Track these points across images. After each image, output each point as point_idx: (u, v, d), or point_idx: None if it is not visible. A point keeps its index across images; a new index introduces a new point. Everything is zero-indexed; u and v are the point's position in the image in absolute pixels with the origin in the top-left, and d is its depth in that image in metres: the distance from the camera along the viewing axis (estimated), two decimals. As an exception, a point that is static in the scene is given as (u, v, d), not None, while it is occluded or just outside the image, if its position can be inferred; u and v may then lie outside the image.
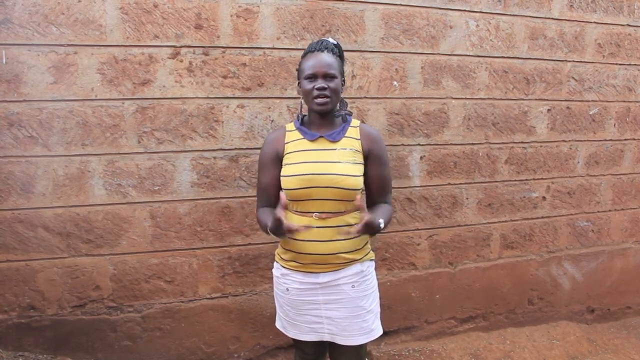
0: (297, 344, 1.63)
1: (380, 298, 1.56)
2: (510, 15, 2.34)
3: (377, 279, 1.55)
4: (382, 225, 1.32)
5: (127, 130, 1.93)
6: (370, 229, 1.28)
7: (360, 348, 1.50)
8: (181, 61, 1.95)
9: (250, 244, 2.13)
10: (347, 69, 2.13)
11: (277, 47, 2.04)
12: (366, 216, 1.25)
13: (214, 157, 2.04)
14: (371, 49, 2.16)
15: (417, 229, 2.36)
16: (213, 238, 2.09)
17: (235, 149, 2.05)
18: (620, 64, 2.61)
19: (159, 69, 1.93)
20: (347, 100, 2.13)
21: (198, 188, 2.04)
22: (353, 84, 2.16)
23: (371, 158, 1.45)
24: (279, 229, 1.23)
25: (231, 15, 1.97)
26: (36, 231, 1.91)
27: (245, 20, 1.99)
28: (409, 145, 2.28)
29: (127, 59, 1.89)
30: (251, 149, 2.06)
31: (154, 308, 2.06)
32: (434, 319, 2.48)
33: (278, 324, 1.61)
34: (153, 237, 2.02)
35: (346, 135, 1.45)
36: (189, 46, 1.95)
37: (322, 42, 1.44)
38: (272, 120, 2.08)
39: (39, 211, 1.90)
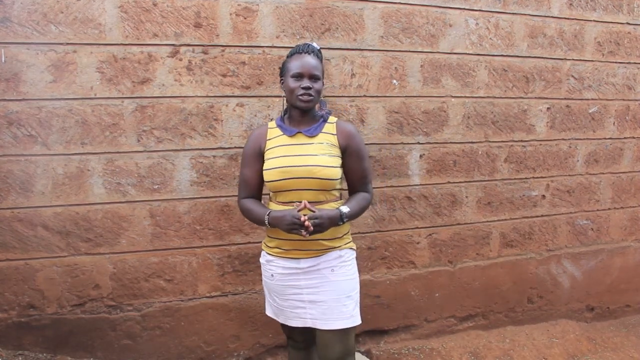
0: (287, 334, 1.71)
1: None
2: (510, 13, 2.34)
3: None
4: (345, 211, 1.45)
5: (127, 129, 1.93)
6: (328, 223, 1.40)
7: (345, 338, 1.52)
8: (180, 60, 1.95)
9: (249, 242, 2.13)
10: (347, 67, 2.13)
11: (277, 46, 2.04)
12: (320, 212, 1.39)
13: (214, 156, 2.04)
14: (371, 48, 2.16)
15: (417, 228, 2.36)
16: (212, 237, 2.09)
17: (235, 147, 2.05)
18: (620, 63, 2.61)
19: (158, 67, 1.93)
20: (346, 99, 2.15)
21: (197, 187, 2.04)
22: (352, 83, 2.16)
23: (349, 153, 1.55)
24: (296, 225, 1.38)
25: (230, 14, 1.97)
26: (36, 230, 1.91)
27: (245, 18, 1.99)
28: (408, 143, 2.28)
29: (126, 58, 1.89)
30: (251, 147, 2.06)
31: (153, 307, 2.06)
32: (434, 317, 2.48)
33: (268, 311, 1.69)
34: (152, 235, 2.02)
35: (323, 131, 1.55)
36: (189, 45, 1.94)
37: (308, 46, 1.54)
38: (271, 119, 2.07)
39: (38, 210, 1.90)
